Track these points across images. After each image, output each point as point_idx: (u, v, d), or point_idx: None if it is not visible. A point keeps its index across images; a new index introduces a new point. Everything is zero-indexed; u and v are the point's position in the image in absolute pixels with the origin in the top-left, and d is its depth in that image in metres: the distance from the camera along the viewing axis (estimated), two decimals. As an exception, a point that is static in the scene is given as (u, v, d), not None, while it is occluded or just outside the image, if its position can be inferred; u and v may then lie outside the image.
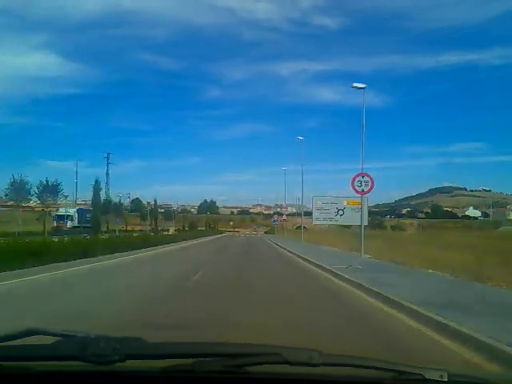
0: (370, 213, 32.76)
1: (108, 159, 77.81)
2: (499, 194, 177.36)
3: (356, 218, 32.45)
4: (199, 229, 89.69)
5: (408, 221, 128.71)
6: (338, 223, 36.05)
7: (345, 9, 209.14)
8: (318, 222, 34.84)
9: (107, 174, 77.57)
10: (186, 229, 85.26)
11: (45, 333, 1.48)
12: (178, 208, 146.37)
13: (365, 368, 1.35)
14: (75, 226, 50.75)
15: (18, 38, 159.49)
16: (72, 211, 55.29)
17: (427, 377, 1.32)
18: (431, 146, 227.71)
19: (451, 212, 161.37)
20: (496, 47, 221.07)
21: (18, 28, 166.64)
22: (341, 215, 32.52)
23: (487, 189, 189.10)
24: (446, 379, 1.32)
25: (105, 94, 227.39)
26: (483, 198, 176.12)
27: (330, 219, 33.09)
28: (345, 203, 32.38)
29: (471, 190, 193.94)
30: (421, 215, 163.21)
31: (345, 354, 1.42)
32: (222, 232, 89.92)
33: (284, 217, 52.39)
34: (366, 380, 1.41)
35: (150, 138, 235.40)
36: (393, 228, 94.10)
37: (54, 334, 1.47)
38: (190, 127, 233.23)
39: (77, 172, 61.64)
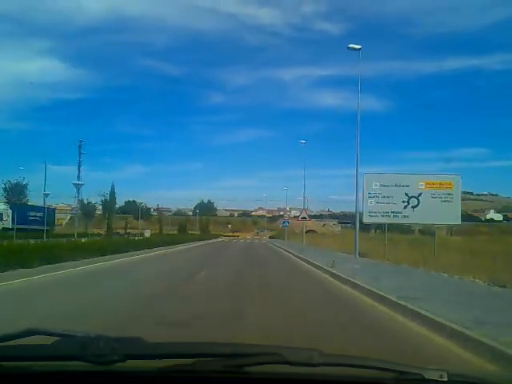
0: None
1: (80, 148, 64.72)
2: (506, 198, 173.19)
3: (443, 213, 18.00)
4: (191, 232, 75.24)
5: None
6: (409, 221, 21.24)
7: (347, 15, 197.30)
8: (373, 220, 20.14)
9: (79, 165, 64.19)
10: (175, 232, 70.89)
11: (45, 333, 1.48)
12: (176, 211, 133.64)
13: (365, 368, 1.34)
14: (7, 228, 36.76)
15: (20, 44, 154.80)
16: (2, 208, 41.28)
17: (427, 377, 1.31)
18: (433, 150, 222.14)
19: (472, 215, 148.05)
20: (499, 52, 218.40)
21: (20, 33, 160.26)
22: (413, 206, 18.11)
23: (494, 193, 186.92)
24: (446, 379, 1.32)
25: (107, 99, 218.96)
26: (491, 202, 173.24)
27: (395, 215, 18.51)
28: (422, 185, 18.00)
29: (477, 194, 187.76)
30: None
31: (345, 354, 1.41)
32: (217, 236, 75.14)
33: (303, 213, 35.92)
34: (366, 380, 1.40)
35: (151, 143, 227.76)
36: (421, 232, 79.34)
37: (53, 334, 1.47)
38: (192, 133, 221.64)
39: (45, 169, 55.54)
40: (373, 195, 17.62)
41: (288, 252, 28.82)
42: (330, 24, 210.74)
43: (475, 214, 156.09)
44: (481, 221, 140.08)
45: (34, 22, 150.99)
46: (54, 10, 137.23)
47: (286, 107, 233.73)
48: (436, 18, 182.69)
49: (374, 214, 17.75)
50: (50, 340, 1.42)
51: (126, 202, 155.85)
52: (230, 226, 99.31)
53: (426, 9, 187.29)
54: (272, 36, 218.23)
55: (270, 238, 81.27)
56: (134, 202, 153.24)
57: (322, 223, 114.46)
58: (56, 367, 1.42)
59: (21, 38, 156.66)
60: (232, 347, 1.46)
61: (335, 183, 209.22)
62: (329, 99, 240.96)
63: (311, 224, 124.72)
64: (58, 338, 1.44)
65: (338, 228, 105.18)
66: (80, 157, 70.00)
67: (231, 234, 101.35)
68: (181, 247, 35.35)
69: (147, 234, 50.29)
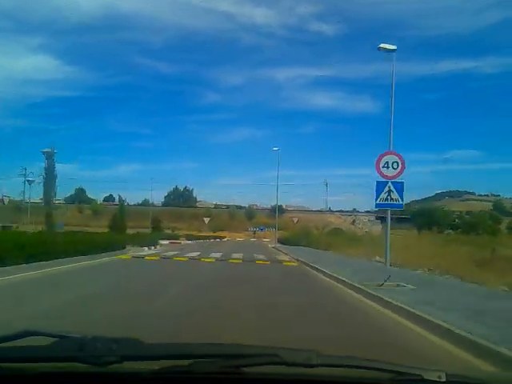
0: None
1: None
2: (509, 198, 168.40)
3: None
4: (141, 231, 38.80)
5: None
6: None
7: (342, 16, 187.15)
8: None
9: None
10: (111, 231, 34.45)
11: (42, 334, 1.47)
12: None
13: (363, 368, 1.36)
14: None
15: (14, 41, 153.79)
16: None
17: (425, 377, 1.32)
18: (429, 152, 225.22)
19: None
20: (492, 55, 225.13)
21: (14, 30, 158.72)
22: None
23: (495, 193, 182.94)
24: (444, 379, 1.32)
25: (100, 97, 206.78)
26: (495, 202, 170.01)
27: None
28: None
29: (479, 195, 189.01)
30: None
31: (343, 355, 1.41)
32: (177, 237, 37.44)
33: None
34: (364, 381, 1.41)
35: (146, 141, 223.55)
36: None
37: (50, 335, 1.45)
38: (186, 131, 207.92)
39: None
40: None
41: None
42: (325, 25, 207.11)
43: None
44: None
45: (28, 19, 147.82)
46: (49, 6, 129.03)
47: (282, 107, 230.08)
48: (431, 21, 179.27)
49: None
50: (47, 341, 1.42)
51: (76, 190, 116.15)
52: (207, 219, 56.04)
53: (420, 12, 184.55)
54: (268, 37, 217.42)
55: (280, 241, 44.29)
56: (81, 189, 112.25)
57: (351, 218, 76.37)
58: (53, 368, 1.43)
59: (15, 35, 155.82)
60: (229, 348, 1.48)
61: (333, 184, 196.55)
62: (325, 100, 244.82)
63: (334, 220, 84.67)
64: (56, 339, 1.43)
65: (377, 225, 66.17)
66: None
67: (211, 233, 63.82)
68: None
69: None
